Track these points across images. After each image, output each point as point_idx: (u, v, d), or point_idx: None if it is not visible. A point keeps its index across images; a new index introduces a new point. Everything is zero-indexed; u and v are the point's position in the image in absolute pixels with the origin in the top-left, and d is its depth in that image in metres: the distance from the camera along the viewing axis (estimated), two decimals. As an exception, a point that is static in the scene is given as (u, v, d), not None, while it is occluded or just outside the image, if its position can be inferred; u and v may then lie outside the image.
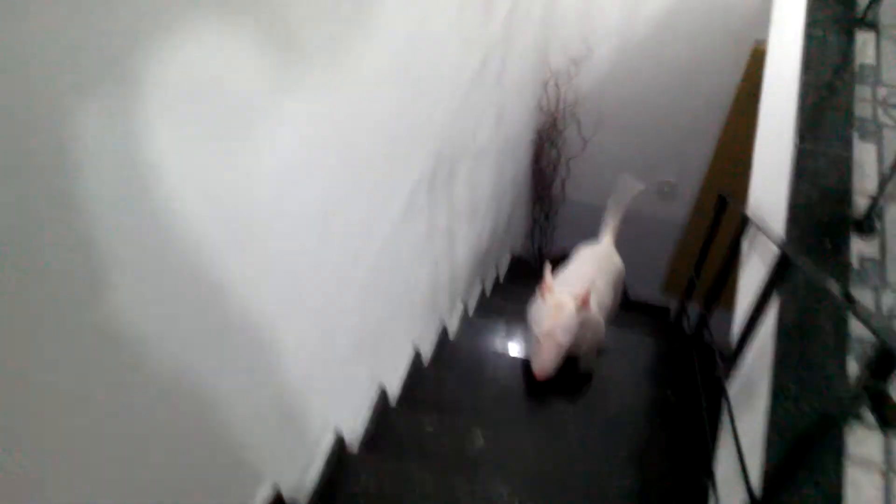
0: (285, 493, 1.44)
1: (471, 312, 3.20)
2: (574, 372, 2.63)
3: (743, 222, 2.00)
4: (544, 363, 2.03)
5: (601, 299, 2.40)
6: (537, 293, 2.14)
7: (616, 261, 2.74)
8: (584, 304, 2.06)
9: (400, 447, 1.92)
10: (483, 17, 2.21)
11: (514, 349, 2.82)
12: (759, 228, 1.61)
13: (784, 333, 1.36)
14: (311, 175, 1.24)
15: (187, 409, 1.03)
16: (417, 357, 2.35)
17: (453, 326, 2.89)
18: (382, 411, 1.99)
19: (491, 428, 2.01)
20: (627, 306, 4.58)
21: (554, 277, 2.45)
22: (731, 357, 1.64)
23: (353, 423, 1.84)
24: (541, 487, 1.85)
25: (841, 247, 1.45)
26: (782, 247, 1.34)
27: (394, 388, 2.17)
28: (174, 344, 0.94)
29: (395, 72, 1.54)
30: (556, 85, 3.87)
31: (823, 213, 1.51)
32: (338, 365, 1.63)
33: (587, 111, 3.97)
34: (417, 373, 2.34)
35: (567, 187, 4.48)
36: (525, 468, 1.91)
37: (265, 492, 1.35)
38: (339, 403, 1.73)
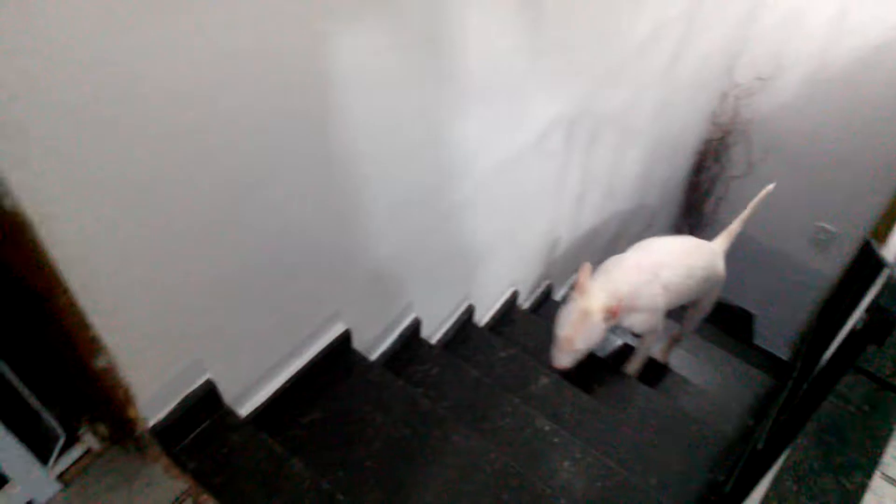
0: (355, 344, 1.61)
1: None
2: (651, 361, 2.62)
3: (872, 267, 1.93)
4: (560, 361, 2.03)
5: (676, 288, 2.20)
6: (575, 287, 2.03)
7: (717, 263, 2.45)
8: (613, 314, 1.95)
9: (470, 358, 2.05)
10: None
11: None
12: (872, 247, 1.57)
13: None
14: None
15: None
16: (514, 297, 2.46)
17: (560, 289, 2.97)
18: (464, 325, 2.13)
19: (558, 380, 2.09)
20: (751, 347, 4.41)
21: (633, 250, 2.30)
22: (798, 380, 1.62)
23: (434, 322, 2.00)
24: (583, 440, 1.91)
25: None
26: (868, 243, 1.32)
27: (483, 313, 2.30)
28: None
29: None
30: (736, 99, 3.78)
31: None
32: (431, 260, 1.78)
33: (760, 133, 3.84)
34: (510, 311, 2.46)
35: (721, 208, 4.35)
36: (575, 421, 1.98)
37: (338, 329, 1.53)
38: (427, 298, 1.88)
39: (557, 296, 2.93)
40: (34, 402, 1.15)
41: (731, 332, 4.08)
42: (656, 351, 2.71)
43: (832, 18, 3.36)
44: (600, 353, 2.52)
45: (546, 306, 2.78)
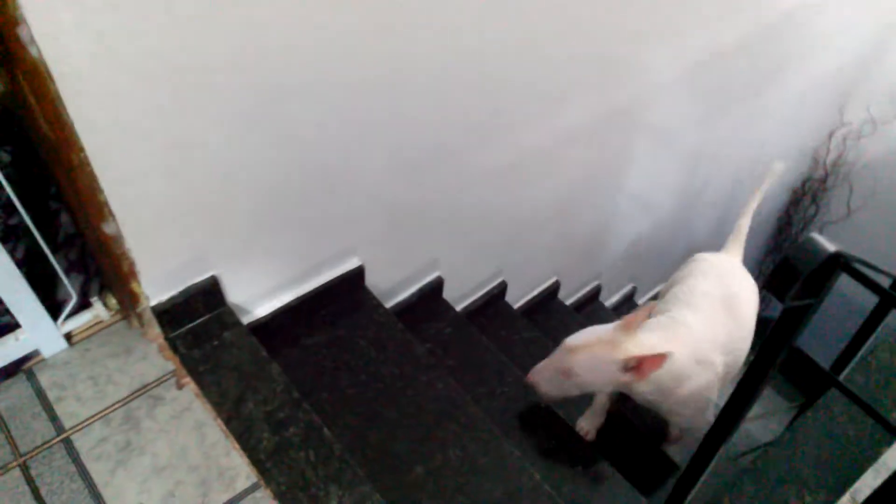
0: (370, 284, 1.66)
1: (637, 298, 3.19)
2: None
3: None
4: (541, 376, 1.55)
5: (722, 343, 1.63)
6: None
7: (748, 283, 1.84)
8: (638, 369, 1.42)
9: (490, 331, 2.06)
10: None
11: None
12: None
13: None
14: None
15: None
16: (556, 287, 2.45)
17: (611, 296, 2.92)
18: (494, 300, 2.15)
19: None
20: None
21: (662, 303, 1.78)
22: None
23: (462, 288, 2.03)
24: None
25: None
26: None
27: (518, 295, 2.31)
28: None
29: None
30: (844, 139, 3.59)
31: None
32: (463, 221, 1.81)
33: (863, 180, 3.64)
34: (549, 301, 2.46)
35: (810, 253, 4.15)
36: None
37: (352, 263, 1.59)
38: (455, 261, 1.90)
39: (607, 301, 2.89)
40: (55, 262, 1.27)
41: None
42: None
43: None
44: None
45: (591, 309, 2.75)
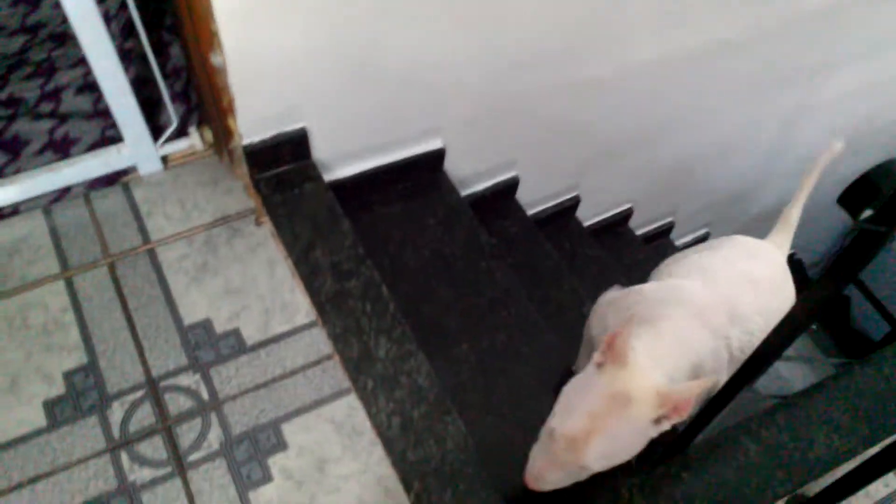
0: (449, 168, 1.70)
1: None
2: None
3: None
4: (541, 473, 1.06)
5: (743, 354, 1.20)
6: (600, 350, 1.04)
7: (787, 287, 1.39)
8: (675, 411, 0.98)
9: (555, 241, 2.08)
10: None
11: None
12: None
13: None
14: None
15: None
16: (628, 215, 2.44)
17: (683, 236, 2.89)
18: (564, 213, 2.17)
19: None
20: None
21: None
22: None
23: (534, 195, 2.04)
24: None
25: None
26: None
27: (589, 215, 2.32)
28: None
29: None
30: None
31: None
32: (545, 127, 1.80)
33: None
34: (618, 226, 2.46)
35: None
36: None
37: (434, 144, 1.62)
38: (532, 165, 1.91)
39: (678, 240, 2.86)
40: (163, 87, 1.34)
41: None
42: None
43: None
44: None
45: (660, 243, 2.73)
